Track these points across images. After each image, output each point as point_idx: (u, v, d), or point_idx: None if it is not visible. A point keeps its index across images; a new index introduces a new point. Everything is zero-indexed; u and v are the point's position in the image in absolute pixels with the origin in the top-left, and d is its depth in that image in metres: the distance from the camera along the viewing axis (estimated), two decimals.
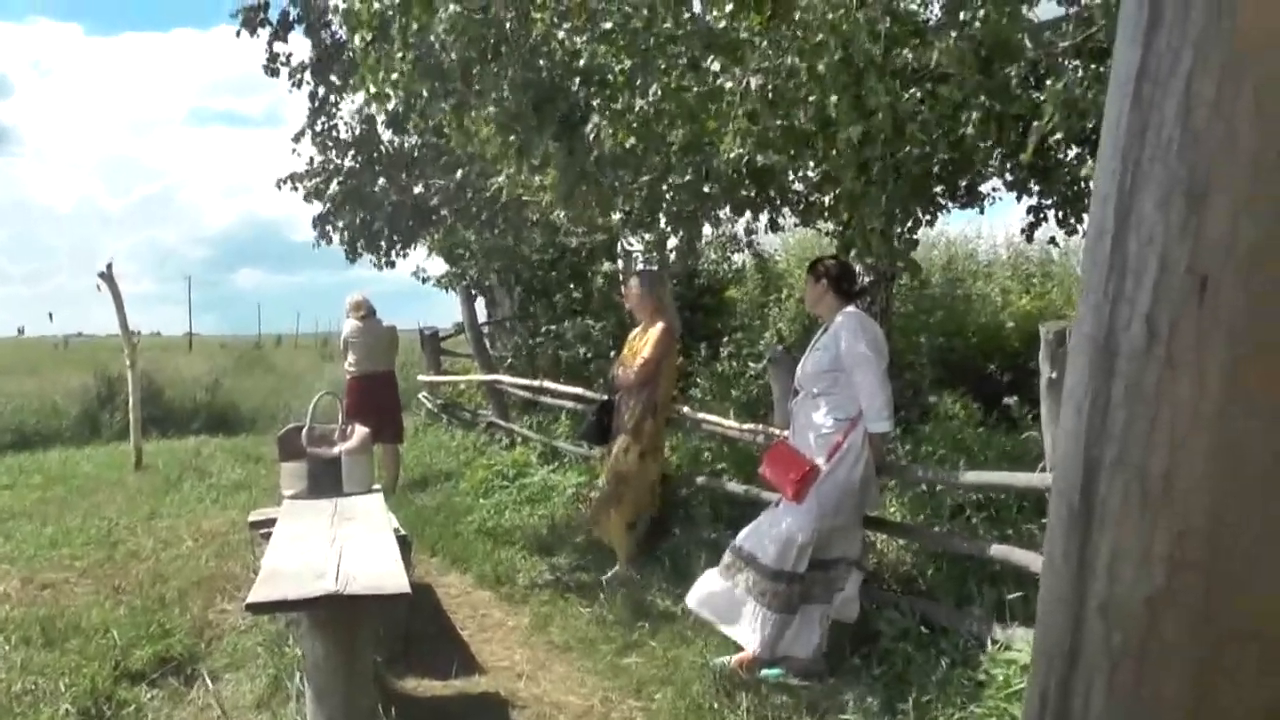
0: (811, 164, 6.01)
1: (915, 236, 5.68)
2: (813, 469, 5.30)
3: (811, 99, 5.06)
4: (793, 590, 5.25)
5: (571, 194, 6.75)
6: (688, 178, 6.60)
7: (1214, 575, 1.13)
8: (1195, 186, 1.09)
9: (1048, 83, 5.19)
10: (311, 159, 13.95)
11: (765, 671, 5.25)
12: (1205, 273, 1.09)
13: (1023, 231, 9.38)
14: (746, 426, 7.17)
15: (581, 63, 6.19)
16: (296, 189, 14.15)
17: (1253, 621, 1.14)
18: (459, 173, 12.03)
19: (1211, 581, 1.14)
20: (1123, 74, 1.16)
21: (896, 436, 8.09)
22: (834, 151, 5.09)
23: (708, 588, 5.58)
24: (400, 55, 6.47)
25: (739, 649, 5.40)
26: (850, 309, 5.58)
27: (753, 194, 7.61)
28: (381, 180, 13.67)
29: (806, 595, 5.33)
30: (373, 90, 7.02)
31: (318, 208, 14.25)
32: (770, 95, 5.10)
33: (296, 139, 13.72)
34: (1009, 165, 8.54)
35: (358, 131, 13.75)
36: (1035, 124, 4.89)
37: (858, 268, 9.46)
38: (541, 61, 6.42)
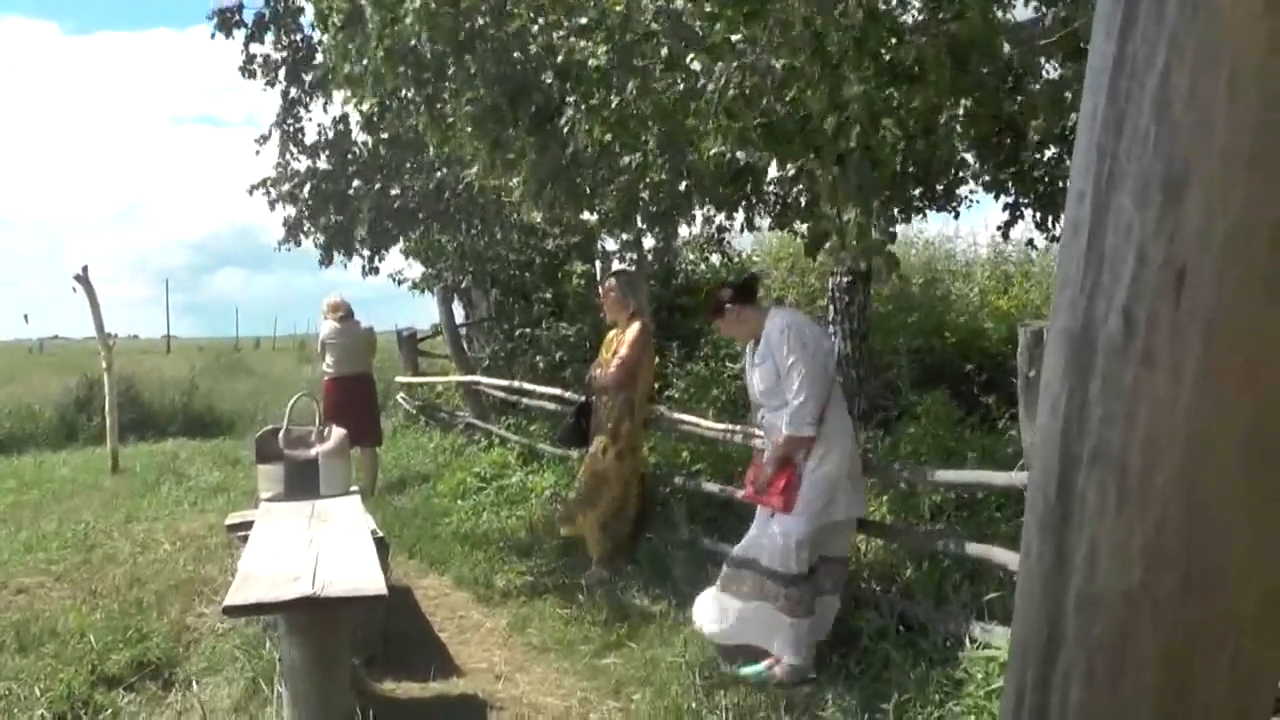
0: (789, 161, 5.99)
1: (893, 229, 5.64)
2: (795, 472, 5.27)
3: (789, 95, 5.06)
4: (805, 592, 5.19)
5: (541, 191, 6.72)
6: (663, 176, 6.58)
7: (1190, 569, 1.14)
8: (1172, 178, 1.09)
9: (1035, 86, 5.21)
10: (285, 163, 13.83)
11: (745, 670, 5.25)
12: (1182, 265, 1.09)
13: (999, 229, 9.43)
14: (724, 426, 7.17)
15: (558, 58, 6.15)
16: (270, 193, 14.04)
17: (1228, 614, 1.15)
18: (437, 175, 11.99)
19: (1188, 576, 1.14)
20: (1098, 69, 1.17)
21: (877, 436, 8.12)
22: (811, 146, 5.09)
23: (716, 610, 5.45)
24: (374, 45, 6.42)
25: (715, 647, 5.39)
26: (773, 311, 5.54)
27: (732, 192, 7.60)
28: (357, 183, 13.58)
29: (820, 589, 5.28)
30: (345, 81, 6.97)
31: (287, 214, 14.11)
32: (747, 91, 5.09)
33: (262, 141, 13.63)
34: (985, 166, 8.58)
35: (330, 134, 13.66)
36: (1033, 123, 4.90)
37: (837, 268, 9.55)
38: (516, 54, 6.36)
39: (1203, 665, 1.15)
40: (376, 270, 14.51)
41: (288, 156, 13.58)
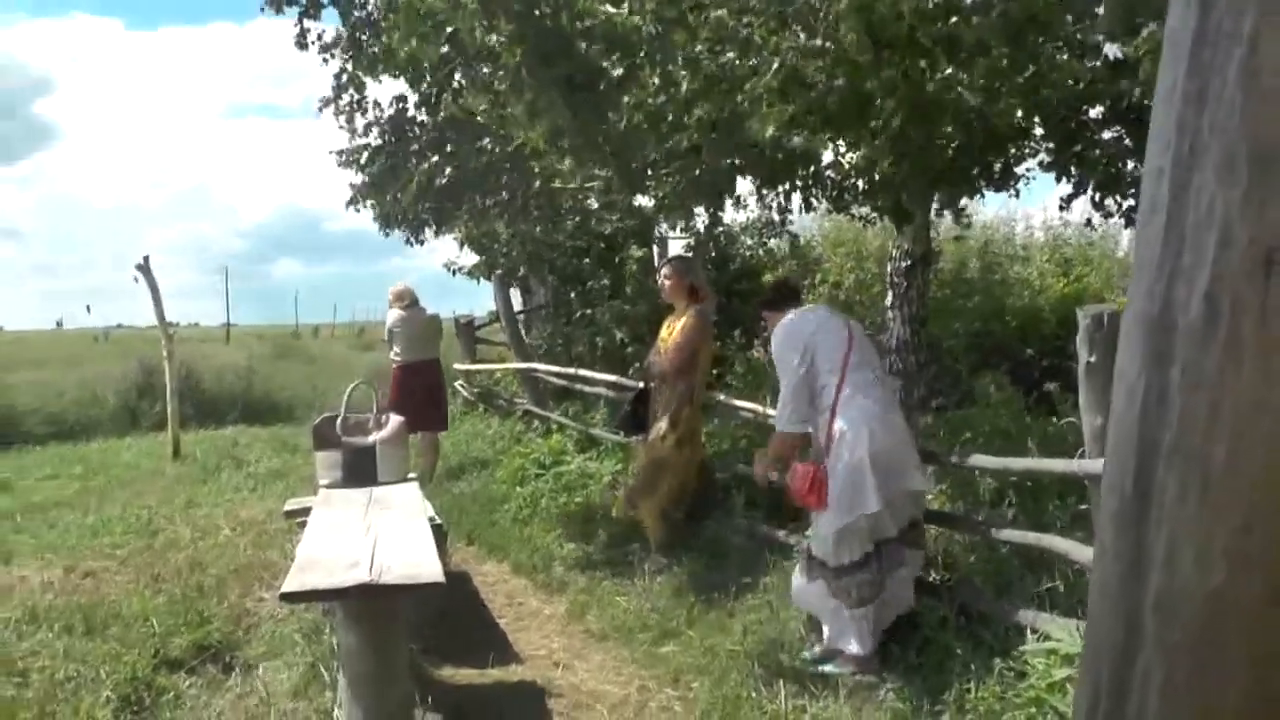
0: (844, 145, 5.88)
1: (963, 208, 5.53)
2: (815, 470, 5.18)
3: (838, 76, 4.97)
4: (853, 582, 5.10)
5: (582, 160, 6.61)
6: (708, 157, 6.47)
7: (1278, 570, 1.07)
8: (1261, 152, 1.02)
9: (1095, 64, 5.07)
10: (354, 132, 13.94)
11: (824, 667, 5.18)
12: (1273, 244, 1.02)
13: (1061, 201, 9.23)
14: None
15: (587, 24, 5.99)
16: (352, 161, 14.18)
17: None
18: (487, 152, 11.99)
19: (1275, 577, 1.08)
20: (1178, 40, 1.10)
21: (938, 422, 8.01)
22: (866, 130, 5.01)
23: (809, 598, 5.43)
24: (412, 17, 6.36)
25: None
26: (780, 319, 5.58)
27: (784, 173, 7.47)
28: (413, 161, 13.64)
29: (896, 560, 5.21)
30: (401, 50, 6.94)
31: (386, 204, 14.24)
32: (798, 72, 5.00)
33: (322, 106, 13.71)
34: (1046, 145, 8.42)
35: (387, 111, 13.77)
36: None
37: (894, 251, 9.43)
38: (547, 22, 6.20)
39: None
40: (422, 242, 14.60)
41: (355, 128, 13.71)
